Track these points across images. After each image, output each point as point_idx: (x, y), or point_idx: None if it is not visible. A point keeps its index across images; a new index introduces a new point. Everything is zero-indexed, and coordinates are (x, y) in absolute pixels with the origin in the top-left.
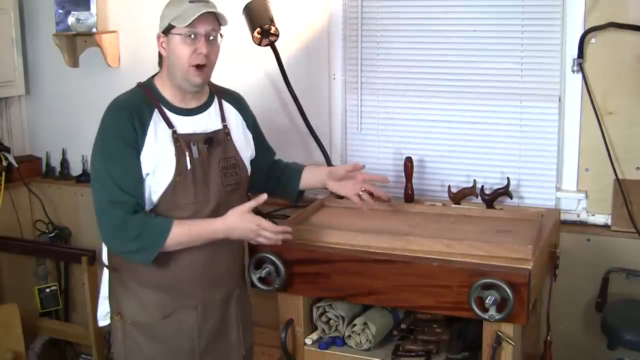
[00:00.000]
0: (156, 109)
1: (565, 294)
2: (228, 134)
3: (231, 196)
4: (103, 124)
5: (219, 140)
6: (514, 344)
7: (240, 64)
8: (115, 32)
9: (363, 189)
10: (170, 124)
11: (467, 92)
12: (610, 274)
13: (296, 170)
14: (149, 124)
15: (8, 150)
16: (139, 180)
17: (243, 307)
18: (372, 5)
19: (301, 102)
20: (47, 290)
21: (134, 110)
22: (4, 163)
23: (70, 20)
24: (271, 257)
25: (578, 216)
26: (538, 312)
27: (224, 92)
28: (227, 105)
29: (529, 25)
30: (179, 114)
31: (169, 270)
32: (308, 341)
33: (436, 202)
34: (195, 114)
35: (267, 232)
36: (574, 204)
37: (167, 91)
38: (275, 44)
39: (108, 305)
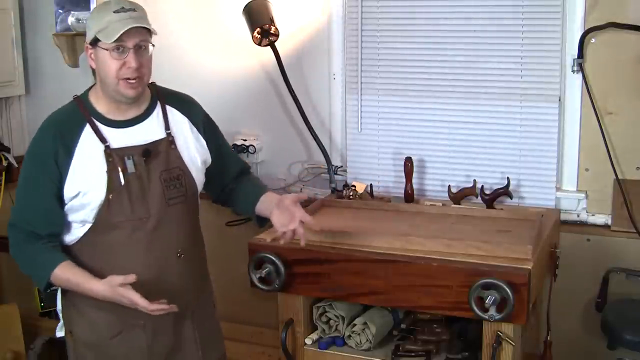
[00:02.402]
0: (88, 124)
1: (565, 294)
2: (172, 142)
3: (175, 210)
4: (31, 142)
5: (159, 150)
6: (514, 344)
7: (240, 64)
8: None
9: (292, 228)
10: (103, 139)
11: (467, 92)
12: (610, 274)
13: (256, 191)
14: (76, 144)
15: (8, 150)
16: (43, 211)
17: (203, 321)
18: (372, 5)
19: (301, 102)
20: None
21: (60, 130)
22: (4, 163)
23: (70, 20)
24: (271, 257)
25: (578, 216)
26: (538, 312)
27: (170, 96)
28: (171, 111)
29: (529, 25)
30: (113, 127)
31: None
32: (308, 341)
33: (436, 202)
34: (133, 125)
35: (140, 307)
36: (574, 204)
37: (100, 104)
38: (275, 43)
39: (62, 319)
